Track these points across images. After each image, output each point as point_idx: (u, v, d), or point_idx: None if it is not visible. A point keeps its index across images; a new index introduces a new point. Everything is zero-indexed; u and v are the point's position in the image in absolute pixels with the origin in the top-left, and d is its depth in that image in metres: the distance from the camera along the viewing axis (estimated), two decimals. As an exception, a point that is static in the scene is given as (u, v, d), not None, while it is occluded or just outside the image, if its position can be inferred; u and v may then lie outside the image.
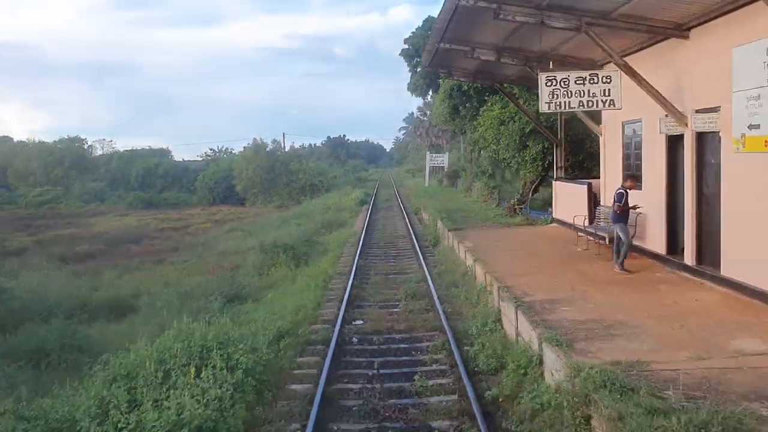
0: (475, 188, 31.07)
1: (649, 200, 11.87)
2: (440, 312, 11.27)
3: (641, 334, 7.58)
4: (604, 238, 13.41)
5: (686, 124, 10.20)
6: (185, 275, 21.42)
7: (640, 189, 12.07)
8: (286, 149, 70.07)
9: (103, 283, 21.69)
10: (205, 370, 7.56)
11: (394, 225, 27.93)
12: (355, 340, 10.40)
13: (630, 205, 11.47)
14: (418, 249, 18.96)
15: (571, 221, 15.36)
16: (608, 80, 10.89)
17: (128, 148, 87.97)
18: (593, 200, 15.29)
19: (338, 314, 11.55)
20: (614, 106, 10.99)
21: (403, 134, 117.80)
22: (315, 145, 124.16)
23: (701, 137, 10.21)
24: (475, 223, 20.50)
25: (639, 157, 12.62)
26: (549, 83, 10.88)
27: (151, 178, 72.60)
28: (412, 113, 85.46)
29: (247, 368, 7.77)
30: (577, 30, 10.37)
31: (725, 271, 9.45)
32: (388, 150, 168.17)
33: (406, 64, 36.30)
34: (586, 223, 14.60)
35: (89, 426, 6.89)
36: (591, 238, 14.02)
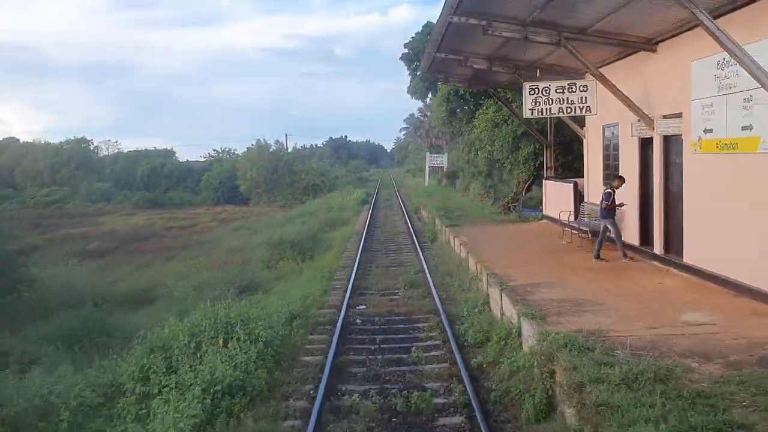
0: (473, 188, 32.27)
1: (625, 197, 13.06)
2: (436, 298, 12.49)
3: (606, 310, 8.79)
4: (586, 232, 14.64)
5: (653, 128, 11.42)
6: (196, 270, 22.65)
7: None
8: (289, 150, 71.19)
9: (118, 278, 22.97)
10: (231, 341, 8.80)
11: (394, 223, 29.16)
12: (359, 321, 11.63)
13: (617, 203, 12.60)
14: (416, 244, 20.16)
15: (559, 217, 16.58)
16: (585, 89, 12.15)
17: (133, 149, 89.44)
18: (578, 197, 16.50)
19: (343, 300, 12.77)
20: (590, 111, 12.25)
21: (403, 135, 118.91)
22: (316, 145, 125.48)
23: (667, 140, 11.44)
24: (470, 221, 21.69)
25: (617, 158, 13.85)
26: (532, 92, 12.14)
27: (156, 179, 73.91)
28: (413, 114, 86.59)
29: (266, 341, 9.01)
30: (557, 44, 11.58)
31: (687, 258, 10.67)
32: (389, 150, 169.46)
33: (406, 68, 37.57)
34: (572, 218, 15.82)
35: (134, 386, 8.16)
36: (575, 232, 15.24)
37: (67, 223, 49.66)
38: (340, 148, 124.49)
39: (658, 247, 11.76)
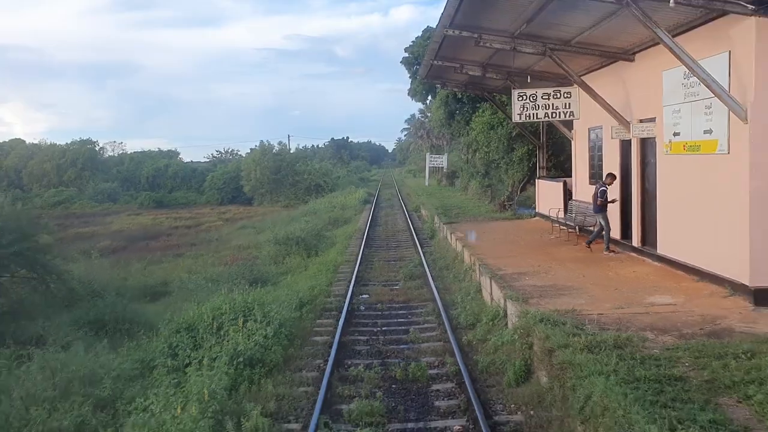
0: (471, 187, 33.37)
1: (609, 194, 14.14)
2: (433, 287, 13.58)
3: (582, 294, 9.90)
4: (574, 228, 15.74)
5: (630, 131, 12.51)
6: (206, 266, 23.74)
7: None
8: (292, 151, 72.32)
9: (132, 273, 24.06)
10: (249, 322, 9.91)
11: (395, 221, 30.26)
12: (362, 308, 12.73)
13: (609, 199, 13.65)
14: (416, 240, 21.24)
15: (549, 214, 17.68)
16: (569, 95, 13.26)
17: (137, 150, 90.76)
18: (567, 195, 17.59)
19: (347, 290, 13.85)
20: (574, 116, 13.36)
21: (404, 135, 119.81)
22: (317, 146, 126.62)
23: (644, 142, 12.53)
24: (468, 218, 22.80)
25: (601, 159, 14.94)
26: (520, 98, 13.26)
27: (160, 179, 75.07)
28: (414, 115, 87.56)
29: (280, 322, 10.12)
30: (542, 54, 12.68)
31: (660, 249, 11.76)
32: (390, 151, 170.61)
33: (406, 71, 38.67)
34: (561, 214, 16.91)
35: (165, 360, 9.29)
36: (563, 228, 16.34)
37: (75, 222, 50.79)
38: (341, 149, 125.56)
39: (636, 240, 12.86)
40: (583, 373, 6.20)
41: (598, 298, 9.57)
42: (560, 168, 21.58)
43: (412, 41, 38.65)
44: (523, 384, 7.70)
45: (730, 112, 8.96)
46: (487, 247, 15.25)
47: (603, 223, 13.62)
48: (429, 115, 63.15)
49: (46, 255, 15.53)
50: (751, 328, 7.87)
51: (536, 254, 13.92)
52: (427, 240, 21.89)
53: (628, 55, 12.65)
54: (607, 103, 12.70)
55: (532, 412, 6.94)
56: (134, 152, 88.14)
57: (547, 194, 19.41)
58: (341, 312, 11.90)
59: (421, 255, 18.06)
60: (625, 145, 13.42)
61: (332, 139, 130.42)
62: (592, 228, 14.69)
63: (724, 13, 8.85)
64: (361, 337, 10.64)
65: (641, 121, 12.33)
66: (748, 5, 8.37)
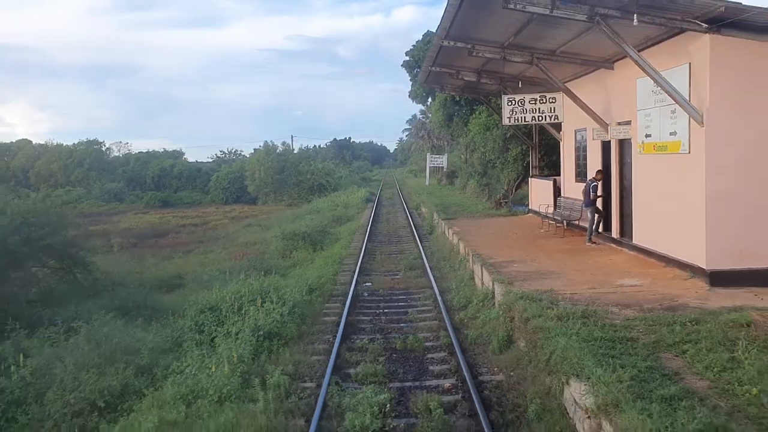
0: (470, 186, 34.60)
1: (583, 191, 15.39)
2: (430, 276, 14.83)
3: (561, 278, 11.15)
4: (562, 222, 16.99)
5: (608, 133, 13.77)
6: (217, 261, 25.02)
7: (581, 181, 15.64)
8: (295, 151, 73.63)
9: (146, 267, 25.34)
10: (266, 303, 11.18)
11: (396, 218, 31.54)
12: (366, 294, 14.00)
13: (599, 194, 14.84)
14: (416, 236, 22.50)
15: (539, 210, 18.93)
16: (554, 100, 14.53)
17: (142, 150, 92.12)
18: (557, 192, 18.84)
19: (352, 279, 15.11)
20: (558, 120, 14.62)
21: (406, 135, 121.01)
22: (319, 146, 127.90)
23: (621, 142, 13.78)
24: (465, 215, 24.06)
25: (585, 158, 16.19)
26: (509, 103, 14.52)
27: (166, 179, 76.41)
28: (415, 115, 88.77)
29: (294, 303, 11.39)
30: (530, 63, 13.93)
31: (635, 240, 13.01)
32: (391, 151, 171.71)
33: (407, 74, 39.94)
34: (550, 210, 18.16)
35: (193, 335, 10.57)
36: (552, 222, 17.59)
37: (84, 221, 51.99)
38: (343, 149, 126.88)
39: (615, 232, 14.12)
40: (551, 335, 7.46)
41: (575, 281, 10.82)
42: (552, 167, 22.78)
43: (413, 45, 39.96)
44: (505, 351, 8.96)
45: (690, 117, 10.21)
46: (481, 240, 16.49)
47: (590, 216, 14.85)
48: (430, 115, 64.48)
49: (73, 247, 16.80)
50: (703, 304, 9.11)
51: (525, 246, 15.17)
52: (426, 235, 23.14)
53: (608, 63, 13.89)
54: (589, 107, 13.96)
55: (511, 373, 8.20)
56: (139, 152, 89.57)
57: (539, 192, 20.66)
58: (347, 297, 13.15)
59: (421, 249, 19.30)
60: (606, 146, 14.66)
61: (334, 139, 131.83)
62: (577, 222, 15.96)
63: (683, 31, 10.08)
64: (366, 318, 11.90)
65: (619, 123, 13.57)
66: (702, 24, 9.62)
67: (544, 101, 14.49)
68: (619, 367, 6.25)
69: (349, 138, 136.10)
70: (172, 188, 74.30)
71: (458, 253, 16.39)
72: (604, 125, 13.81)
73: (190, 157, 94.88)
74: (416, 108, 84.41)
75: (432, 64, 17.32)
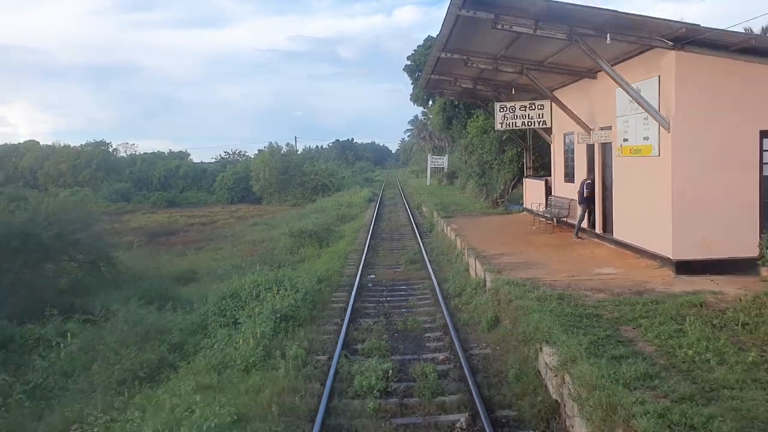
0: (469, 186, 35.89)
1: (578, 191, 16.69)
2: (429, 269, 16.12)
3: (545, 268, 12.44)
4: (552, 219, 18.27)
5: (590, 137, 15.06)
6: (228, 257, 26.35)
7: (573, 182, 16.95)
8: (299, 152, 75.01)
9: (161, 263, 26.67)
10: (281, 290, 12.48)
11: (398, 217, 32.85)
12: (370, 284, 15.30)
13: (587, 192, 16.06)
14: (417, 233, 23.79)
15: (532, 208, 20.21)
16: (542, 107, 15.84)
17: (148, 151, 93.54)
18: (548, 191, 20.12)
19: (357, 272, 16.41)
20: (546, 125, 15.91)
21: (408, 136, 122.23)
22: (322, 146, 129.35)
23: (604, 146, 15.06)
24: (463, 213, 25.35)
25: (573, 160, 17.47)
26: (501, 109, 15.84)
27: (172, 179, 77.76)
28: (417, 116, 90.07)
29: (306, 291, 12.69)
30: (519, 73, 15.22)
31: (615, 234, 14.28)
32: (393, 152, 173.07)
33: (409, 78, 41.25)
34: (542, 208, 19.44)
35: (217, 318, 11.89)
36: (543, 219, 18.88)
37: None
38: (346, 150, 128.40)
39: (598, 228, 15.40)
40: (529, 312, 8.75)
41: (557, 270, 12.11)
42: (546, 168, 24.01)
43: (414, 50, 41.26)
44: (493, 330, 10.24)
45: (659, 124, 11.49)
46: (476, 235, 17.79)
47: (580, 212, 16.12)
48: (431, 116, 65.75)
49: (99, 242, 18.14)
50: (668, 289, 10.38)
51: (517, 241, 16.46)
52: (426, 233, 24.44)
53: (591, 73, 15.17)
54: (574, 113, 15.25)
55: (497, 347, 9.49)
56: (145, 153, 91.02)
57: (533, 191, 21.95)
58: (353, 287, 14.46)
59: (421, 245, 20.59)
60: (590, 149, 15.94)
61: (337, 140, 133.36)
62: (566, 219, 17.25)
63: (652, 47, 11.37)
64: (370, 304, 13.21)
65: (601, 128, 14.85)
66: (668, 41, 10.91)
67: (533, 108, 15.81)
68: (582, 335, 7.53)
69: (352, 139, 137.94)
70: (178, 188, 75.68)
71: (455, 248, 17.68)
72: (588, 130, 15.09)
73: (194, 157, 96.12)
74: (418, 109, 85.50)
75: (431, 72, 18.61)
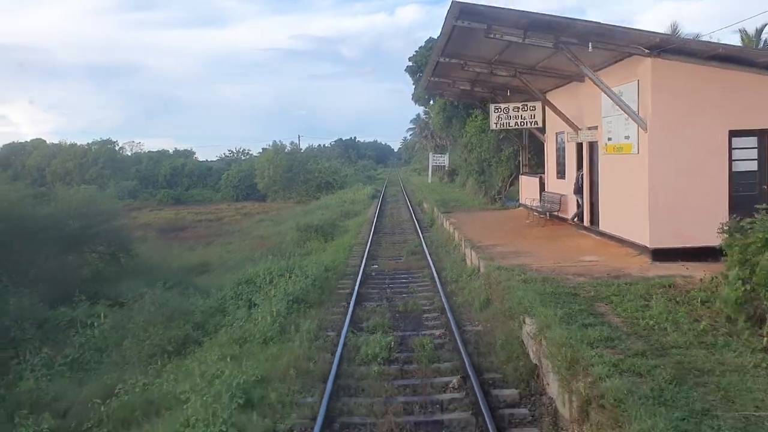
0: (468, 183, 37.02)
1: (568, 186, 17.82)
2: (429, 260, 17.26)
3: (534, 256, 13.57)
4: (545, 214, 19.40)
5: (578, 136, 16.18)
6: (237, 251, 27.57)
7: (564, 178, 18.08)
8: (303, 150, 76.20)
9: (174, 256, 27.89)
10: (293, 276, 13.65)
11: (399, 213, 34.01)
12: (373, 273, 16.46)
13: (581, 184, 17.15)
14: (417, 228, 24.93)
15: (526, 203, 21.34)
16: (534, 108, 16.97)
17: (153, 150, 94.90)
18: (542, 187, 21.24)
19: (361, 262, 17.55)
20: (537, 125, 17.05)
21: (410, 135, 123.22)
22: (324, 145, 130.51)
23: (591, 144, 16.18)
24: (462, 209, 26.51)
25: (564, 157, 18.60)
26: (496, 110, 16.99)
27: (177, 177, 79.13)
28: (419, 115, 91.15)
29: (315, 277, 13.85)
30: (513, 76, 16.34)
31: (601, 227, 15.41)
32: (395, 150, 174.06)
33: (410, 78, 42.41)
34: (536, 203, 20.57)
35: (235, 302, 13.06)
36: (536, 214, 20.01)
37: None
38: (349, 148, 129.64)
39: (586, 221, 16.53)
40: (514, 290, 9.89)
41: (545, 258, 13.25)
42: (541, 165, 25.01)
43: (416, 51, 42.39)
44: (485, 310, 11.37)
45: (638, 124, 12.61)
46: (473, 228, 18.91)
47: (579, 201, 17.22)
48: (432, 116, 66.86)
49: (120, 234, 19.35)
50: (643, 274, 11.48)
51: (510, 234, 17.59)
52: (427, 227, 25.57)
53: (579, 77, 16.26)
54: (564, 114, 16.37)
55: (488, 324, 10.62)
56: (151, 152, 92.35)
57: (528, 187, 23.07)
58: (358, 275, 15.60)
59: (422, 238, 21.72)
60: (579, 147, 17.06)
61: (340, 138, 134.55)
62: (557, 213, 18.38)
63: (631, 54, 12.48)
64: (374, 290, 14.36)
65: (588, 128, 15.97)
66: (645, 49, 12.03)
67: (526, 109, 16.95)
68: (559, 308, 8.67)
69: (354, 137, 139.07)
70: (184, 186, 77.04)
71: (453, 240, 18.82)
72: (577, 129, 16.21)
73: (199, 156, 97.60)
74: (419, 108, 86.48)
75: (431, 75, 19.75)
